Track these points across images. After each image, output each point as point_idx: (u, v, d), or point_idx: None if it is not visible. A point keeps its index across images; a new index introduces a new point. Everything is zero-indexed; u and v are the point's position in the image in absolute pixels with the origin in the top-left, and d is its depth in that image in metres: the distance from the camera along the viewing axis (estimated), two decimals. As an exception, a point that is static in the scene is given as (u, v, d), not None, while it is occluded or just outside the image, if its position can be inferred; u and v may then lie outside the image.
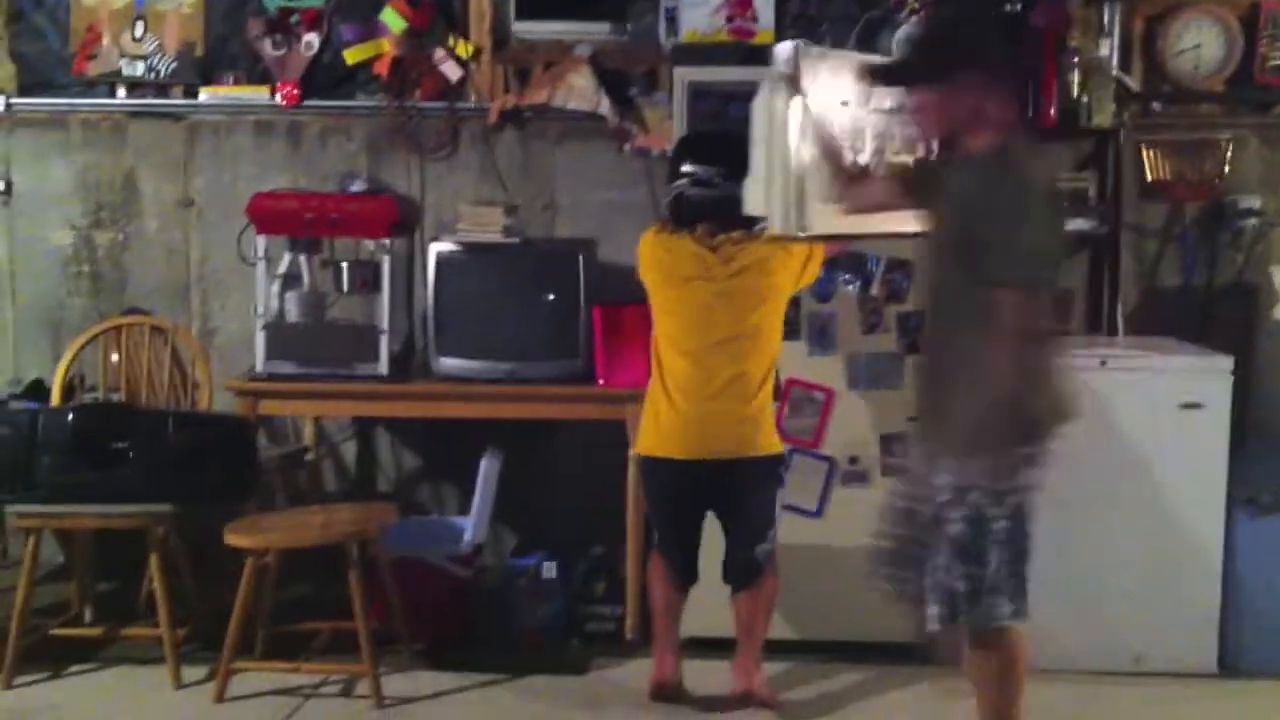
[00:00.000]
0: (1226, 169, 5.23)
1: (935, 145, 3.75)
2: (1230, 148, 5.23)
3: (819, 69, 3.82)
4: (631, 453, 4.44)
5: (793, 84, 3.78)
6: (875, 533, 3.63)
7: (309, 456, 5.42)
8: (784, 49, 3.87)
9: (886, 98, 3.91)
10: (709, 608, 4.37)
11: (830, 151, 3.78)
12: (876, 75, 3.77)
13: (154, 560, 4.46)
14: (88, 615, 4.92)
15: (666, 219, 4.26)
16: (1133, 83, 5.23)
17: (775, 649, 4.45)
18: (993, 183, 3.30)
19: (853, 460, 4.67)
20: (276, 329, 4.96)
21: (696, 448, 4.09)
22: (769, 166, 3.86)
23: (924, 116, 3.59)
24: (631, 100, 5.36)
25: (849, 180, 3.78)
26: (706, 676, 4.38)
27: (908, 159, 3.96)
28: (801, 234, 3.91)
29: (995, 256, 3.23)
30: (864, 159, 3.88)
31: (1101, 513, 4.55)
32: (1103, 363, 4.62)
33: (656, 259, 4.20)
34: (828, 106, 3.84)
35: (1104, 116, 5.12)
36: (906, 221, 3.76)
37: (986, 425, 3.30)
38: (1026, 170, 3.38)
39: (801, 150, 3.76)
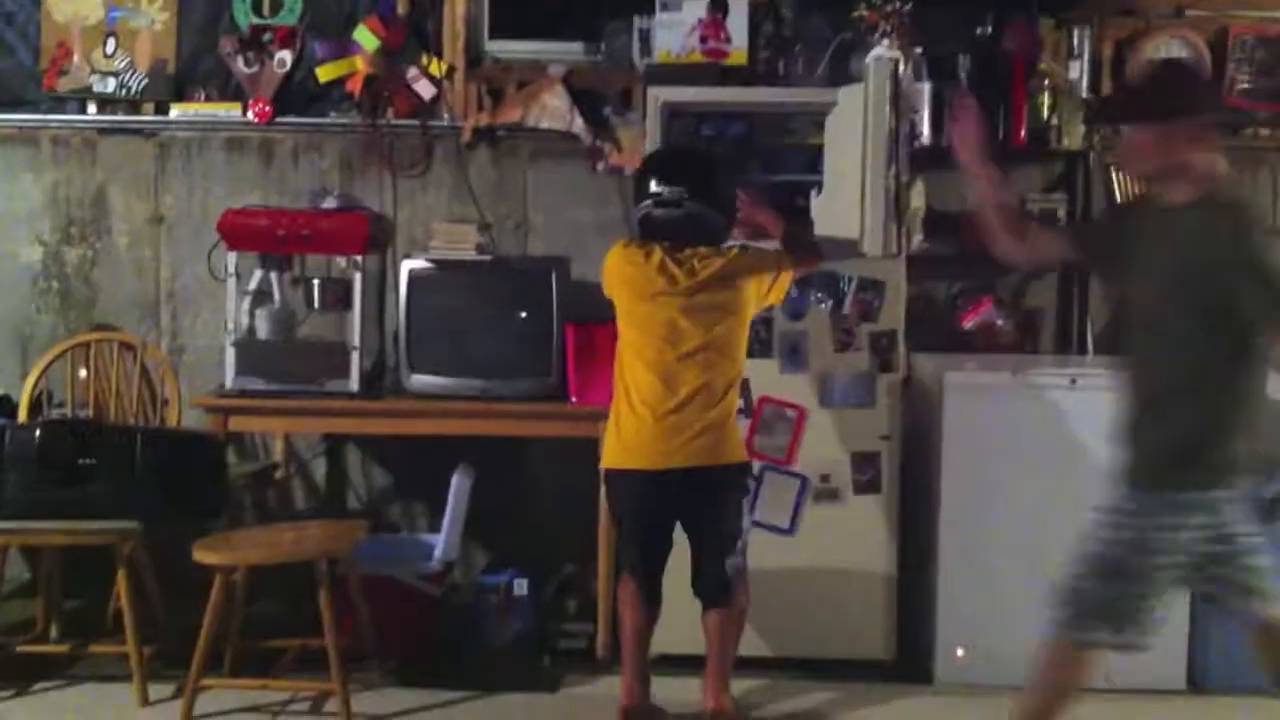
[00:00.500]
0: (1195, 190, 5.27)
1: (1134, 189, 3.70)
2: (1199, 169, 5.27)
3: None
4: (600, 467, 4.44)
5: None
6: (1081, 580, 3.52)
7: (279, 474, 5.39)
8: (883, 65, 4.03)
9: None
10: (681, 625, 4.36)
11: (999, 200, 3.80)
12: (1108, 111, 3.72)
13: (121, 577, 4.42)
14: (54, 632, 4.88)
15: (634, 235, 4.28)
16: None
17: (747, 666, 4.45)
18: (1238, 228, 3.31)
19: (824, 478, 4.68)
20: (247, 345, 4.93)
21: (661, 457, 4.08)
22: (867, 186, 3.90)
23: (1137, 154, 3.50)
24: (605, 120, 5.37)
25: (1018, 231, 3.79)
26: (677, 694, 4.36)
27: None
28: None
29: (1269, 297, 3.24)
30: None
31: (1072, 530, 4.52)
32: (1073, 382, 4.65)
33: (623, 273, 4.20)
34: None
35: (1074, 138, 5.17)
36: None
37: (1176, 459, 3.36)
38: (1256, 211, 3.41)
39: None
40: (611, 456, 4.20)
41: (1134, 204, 3.48)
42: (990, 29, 5.25)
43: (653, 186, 4.17)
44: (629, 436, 4.12)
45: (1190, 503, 3.34)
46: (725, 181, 4.26)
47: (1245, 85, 5.29)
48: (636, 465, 4.12)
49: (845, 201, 4.59)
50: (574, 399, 4.84)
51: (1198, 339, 3.32)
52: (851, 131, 4.57)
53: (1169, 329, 3.39)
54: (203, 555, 4.23)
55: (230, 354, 4.91)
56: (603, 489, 4.38)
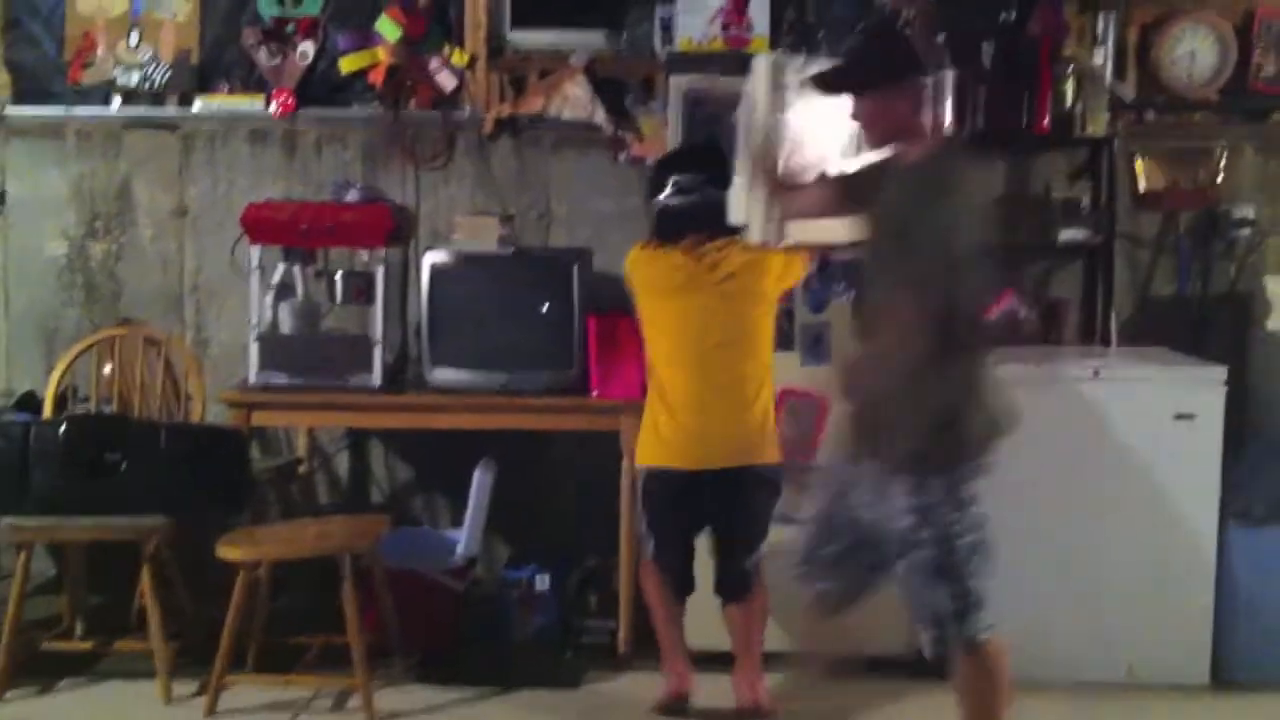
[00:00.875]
0: (1221, 178, 5.23)
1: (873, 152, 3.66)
2: (1224, 156, 5.23)
3: (793, 81, 3.89)
4: (628, 464, 4.43)
5: (770, 96, 3.82)
6: (812, 538, 3.57)
7: (302, 468, 5.41)
8: (760, 63, 3.90)
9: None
10: (699, 621, 4.36)
11: (762, 159, 3.81)
12: (819, 83, 3.72)
13: (146, 573, 4.45)
14: (79, 629, 4.90)
15: (651, 234, 4.27)
16: (1127, 91, 5.22)
17: (773, 661, 4.44)
18: (926, 189, 3.29)
19: (847, 471, 4.65)
20: (270, 340, 4.94)
21: (699, 458, 4.10)
22: (749, 176, 3.88)
23: (868, 124, 3.53)
24: (627, 109, 5.36)
25: (779, 187, 3.79)
26: (702, 690, 4.36)
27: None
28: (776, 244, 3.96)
29: (926, 268, 3.22)
30: (796, 164, 3.87)
31: (1095, 523, 4.55)
32: (1096, 373, 4.62)
33: (644, 276, 4.21)
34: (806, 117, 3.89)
35: (1098, 125, 5.12)
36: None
37: (935, 441, 3.30)
38: (960, 182, 3.34)
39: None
40: (649, 454, 4.20)
41: (888, 160, 3.49)
42: (1014, 14, 5.21)
43: (671, 178, 4.19)
44: (666, 436, 4.14)
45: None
46: None
47: (1271, 71, 5.24)
48: (674, 464, 4.14)
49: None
50: (596, 392, 4.82)
51: (883, 307, 3.35)
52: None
53: (879, 301, 3.43)
54: (226, 550, 4.26)
55: (254, 348, 4.93)
56: (627, 485, 4.38)
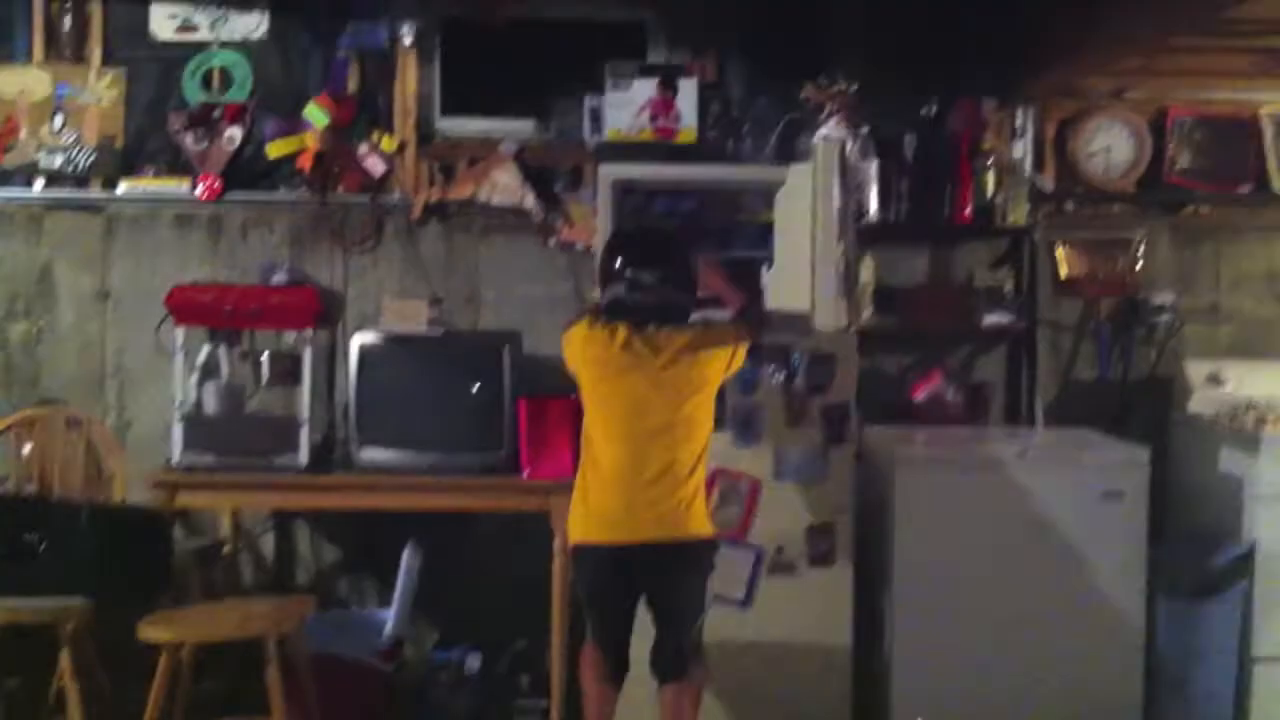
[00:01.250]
0: (1139, 266, 5.38)
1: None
2: (1142, 246, 5.39)
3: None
4: (559, 544, 4.40)
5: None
6: None
7: (226, 550, 5.31)
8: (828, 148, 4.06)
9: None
10: (636, 702, 4.32)
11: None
12: None
13: (65, 656, 4.32)
14: (-4, 713, 4.77)
15: (597, 311, 4.25)
16: (1046, 183, 5.36)
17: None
18: None
19: (780, 550, 4.66)
20: (195, 420, 4.89)
21: (628, 532, 4.05)
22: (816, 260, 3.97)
23: None
24: (557, 195, 5.41)
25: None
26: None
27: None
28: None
29: None
30: None
31: (1025, 597, 4.59)
32: (1022, 454, 4.68)
33: (589, 353, 4.15)
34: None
35: (1019, 215, 5.26)
36: None
37: None
38: None
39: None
40: (578, 530, 4.15)
41: None
42: (935, 109, 5.35)
43: (627, 271, 4.13)
44: (595, 511, 4.10)
45: None
46: (693, 262, 4.27)
47: (1185, 165, 5.41)
48: (602, 539, 4.09)
49: (796, 276, 4.62)
50: (526, 472, 4.81)
51: None
52: (800, 208, 4.61)
53: None
54: (149, 631, 4.15)
55: (178, 429, 4.87)
56: (566, 563, 4.35)
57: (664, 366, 4.08)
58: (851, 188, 4.67)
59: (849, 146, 4.77)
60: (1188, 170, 5.43)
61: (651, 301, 4.12)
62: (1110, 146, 5.40)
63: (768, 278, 4.78)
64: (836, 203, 4.46)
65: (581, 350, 4.18)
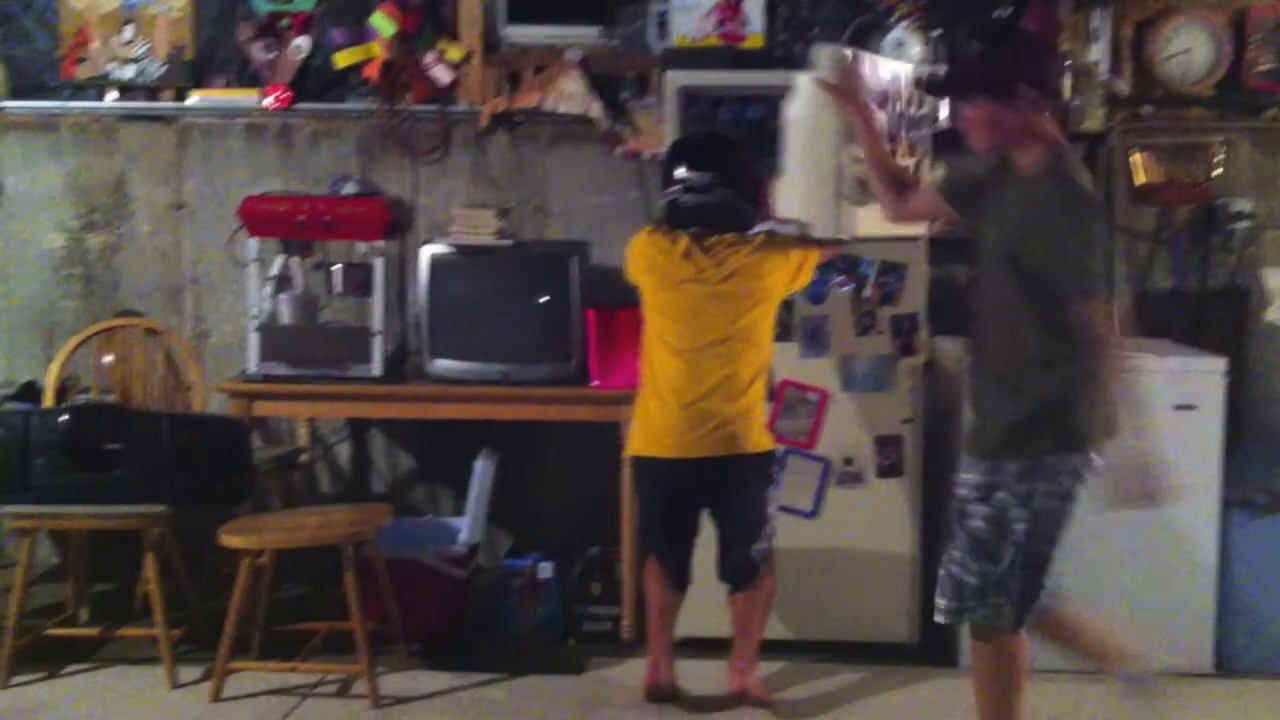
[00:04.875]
0: (1216, 173, 5.28)
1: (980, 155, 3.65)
2: (1220, 151, 5.28)
3: (859, 74, 3.94)
4: (628, 453, 4.43)
5: (837, 90, 3.85)
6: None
7: (303, 458, 5.42)
8: (830, 53, 3.94)
9: (922, 104, 3.91)
10: (707, 608, 4.39)
11: (880, 159, 3.87)
12: (934, 85, 3.76)
13: (149, 561, 4.44)
14: (83, 615, 4.90)
15: (660, 220, 4.27)
16: (1122, 87, 5.26)
17: (771, 649, 4.46)
18: (1053, 202, 3.31)
19: (848, 461, 4.68)
20: (269, 330, 4.95)
21: (686, 446, 4.08)
22: (807, 171, 3.91)
23: (978, 129, 3.49)
24: (622, 104, 5.38)
25: (899, 189, 3.86)
26: (702, 676, 4.39)
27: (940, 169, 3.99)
28: (801, 233, 4.00)
29: (1070, 273, 3.26)
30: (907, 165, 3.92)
31: (1093, 516, 4.56)
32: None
33: (650, 260, 4.19)
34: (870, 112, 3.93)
35: (1094, 121, 5.17)
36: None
37: (1026, 428, 3.35)
38: (1081, 188, 3.36)
39: (840, 155, 3.84)
40: (637, 443, 4.20)
41: (995, 164, 3.50)
42: (1010, 10, 5.24)
43: (681, 172, 4.15)
44: (655, 424, 4.13)
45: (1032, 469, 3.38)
46: (753, 168, 4.24)
47: (1266, 67, 5.28)
48: (662, 453, 4.13)
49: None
50: (596, 383, 4.84)
51: (1019, 311, 3.37)
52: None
53: (995, 299, 3.47)
54: (229, 539, 4.26)
55: (253, 339, 4.93)
56: (628, 474, 4.40)
57: (724, 279, 4.09)
58: (878, 97, 4.50)
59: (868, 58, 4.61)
60: (1269, 73, 5.29)
61: (708, 203, 4.11)
62: (1189, 48, 5.26)
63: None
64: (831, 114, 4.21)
65: (643, 256, 4.21)
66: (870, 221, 4.16)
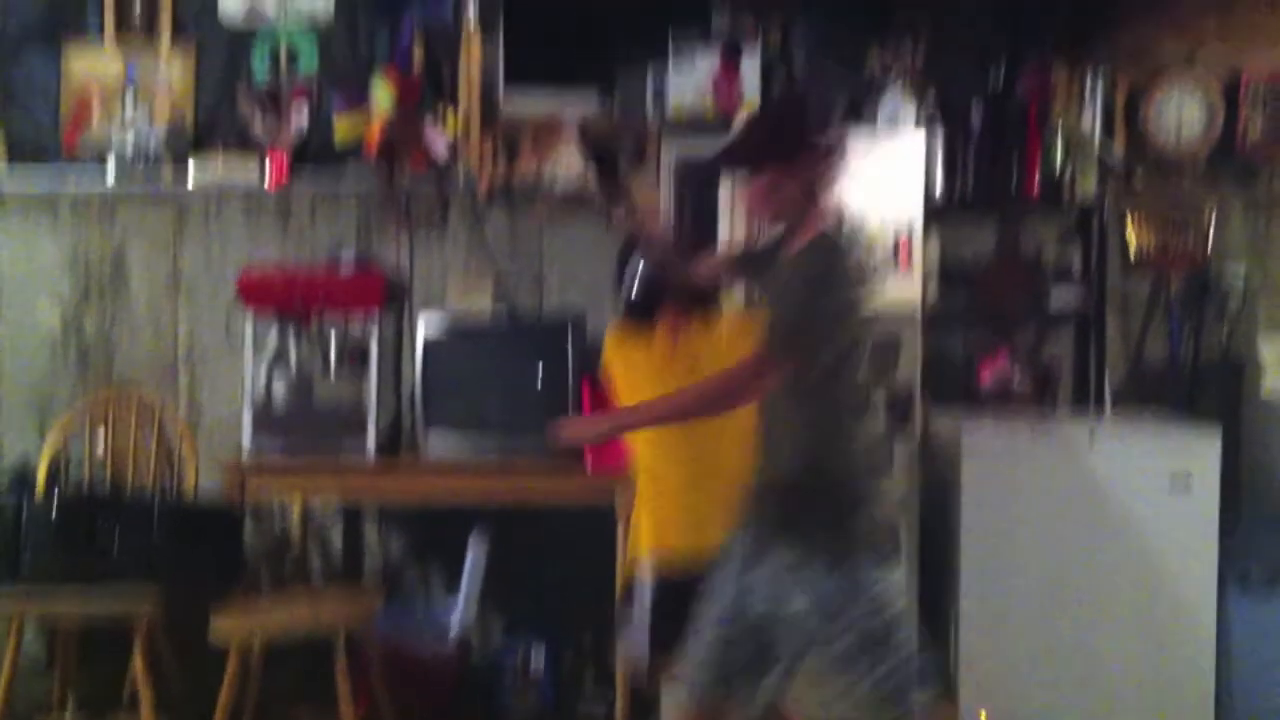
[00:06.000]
0: (1210, 239, 5.25)
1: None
2: (1214, 218, 5.25)
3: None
4: (621, 533, 4.40)
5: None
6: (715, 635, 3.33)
7: (295, 540, 5.39)
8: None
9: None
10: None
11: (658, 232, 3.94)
12: (715, 160, 3.60)
13: (138, 649, 4.42)
14: (70, 708, 4.88)
15: (624, 318, 4.14)
16: (1115, 154, 5.23)
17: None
18: (799, 273, 3.20)
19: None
20: (264, 408, 4.95)
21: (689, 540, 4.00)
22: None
23: (752, 201, 3.38)
24: (618, 178, 5.37)
25: (686, 255, 3.81)
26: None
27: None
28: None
29: (779, 330, 3.17)
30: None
31: (1092, 587, 4.56)
32: (1092, 436, 4.63)
33: (622, 363, 4.11)
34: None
35: (1087, 188, 5.14)
36: None
37: (836, 528, 3.21)
38: (833, 257, 3.21)
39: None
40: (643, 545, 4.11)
41: (774, 244, 3.41)
42: (1003, 76, 5.23)
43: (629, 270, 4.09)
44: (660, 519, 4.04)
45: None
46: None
47: (1259, 131, 5.26)
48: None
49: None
50: (590, 459, 4.80)
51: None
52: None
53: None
54: (222, 625, 4.25)
55: (247, 417, 4.94)
56: (622, 554, 4.37)
57: (691, 371, 3.82)
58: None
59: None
60: (1262, 138, 5.27)
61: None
62: (1182, 113, 5.24)
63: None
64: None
65: (615, 361, 4.12)
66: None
